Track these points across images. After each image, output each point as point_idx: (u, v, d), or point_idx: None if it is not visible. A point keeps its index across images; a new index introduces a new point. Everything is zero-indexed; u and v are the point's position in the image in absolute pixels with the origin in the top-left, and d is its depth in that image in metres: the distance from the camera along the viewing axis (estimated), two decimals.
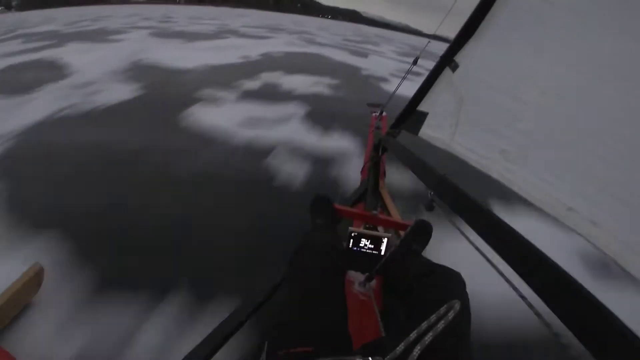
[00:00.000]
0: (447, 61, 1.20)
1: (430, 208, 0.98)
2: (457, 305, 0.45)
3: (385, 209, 1.56)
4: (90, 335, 1.16)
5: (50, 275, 1.30)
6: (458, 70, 1.13)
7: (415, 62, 1.80)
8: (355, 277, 1.16)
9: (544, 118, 0.69)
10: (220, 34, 11.42)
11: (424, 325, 0.45)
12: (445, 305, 0.46)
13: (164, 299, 1.33)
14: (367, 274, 1.11)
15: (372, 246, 1.14)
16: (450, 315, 0.44)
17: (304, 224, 1.28)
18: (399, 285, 0.94)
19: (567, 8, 0.68)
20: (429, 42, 1.93)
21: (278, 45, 9.87)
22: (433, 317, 0.45)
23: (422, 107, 1.32)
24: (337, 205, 1.38)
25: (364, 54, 10.48)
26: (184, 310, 1.30)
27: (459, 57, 1.15)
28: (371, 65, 8.29)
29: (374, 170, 1.68)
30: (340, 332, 0.69)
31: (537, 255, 0.52)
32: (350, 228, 1.14)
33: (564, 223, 0.57)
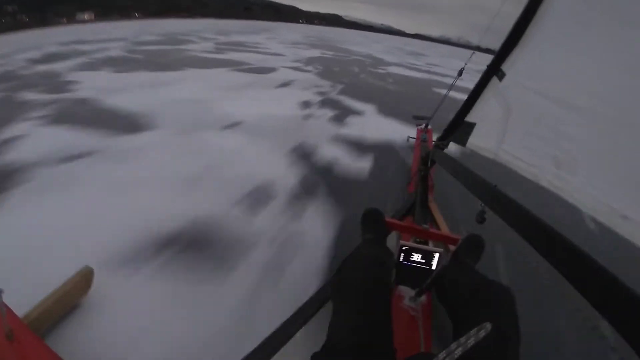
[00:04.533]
0: (494, 70, 1.18)
1: (481, 220, 0.95)
2: (488, 326, 0.46)
3: (434, 222, 1.53)
4: None
5: None
6: (505, 79, 1.11)
7: (460, 74, 1.77)
8: (406, 292, 1.15)
9: (594, 122, 0.65)
10: None
11: (453, 346, 0.46)
12: (476, 328, 0.47)
13: None
14: (417, 289, 1.10)
15: (424, 261, 1.13)
16: (481, 334, 0.45)
17: None
18: (449, 302, 0.92)
19: (610, 9, 0.65)
20: (473, 53, 1.87)
21: None
22: (462, 339, 0.46)
23: (470, 117, 1.30)
24: (388, 219, 1.39)
25: None
26: None
27: (505, 66, 1.13)
28: None
29: (422, 183, 1.66)
30: (383, 347, 0.70)
31: (601, 273, 0.48)
32: (401, 242, 1.14)
33: (617, 232, 0.53)
